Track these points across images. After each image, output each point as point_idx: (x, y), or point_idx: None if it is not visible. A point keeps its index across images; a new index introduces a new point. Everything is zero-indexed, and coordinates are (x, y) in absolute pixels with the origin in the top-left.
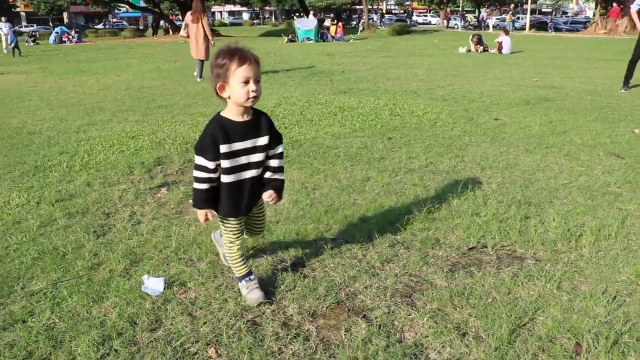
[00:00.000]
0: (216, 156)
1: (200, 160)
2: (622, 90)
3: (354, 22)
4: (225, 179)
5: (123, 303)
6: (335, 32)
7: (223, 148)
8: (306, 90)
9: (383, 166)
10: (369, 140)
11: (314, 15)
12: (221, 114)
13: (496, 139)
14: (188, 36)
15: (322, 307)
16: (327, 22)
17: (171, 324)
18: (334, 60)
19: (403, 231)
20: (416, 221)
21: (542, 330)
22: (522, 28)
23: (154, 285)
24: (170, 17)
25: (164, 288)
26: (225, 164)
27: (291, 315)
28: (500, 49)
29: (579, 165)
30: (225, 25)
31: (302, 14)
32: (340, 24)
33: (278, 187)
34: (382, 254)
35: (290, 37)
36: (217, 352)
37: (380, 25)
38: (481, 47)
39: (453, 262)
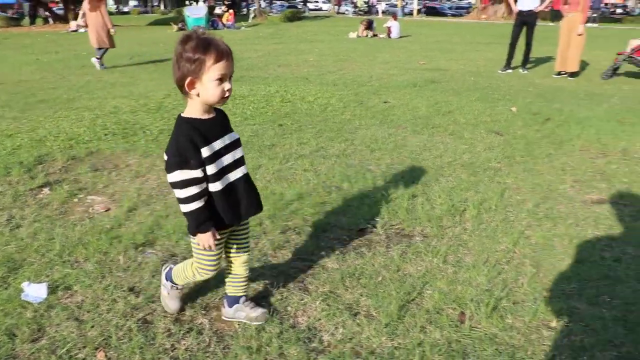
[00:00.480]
0: (200, 163)
1: (184, 175)
2: (502, 72)
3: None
4: (216, 186)
5: (0, 315)
6: (227, 20)
7: (204, 151)
8: None
9: (274, 153)
10: (260, 128)
11: (204, 2)
12: (185, 115)
13: (385, 121)
14: (86, 25)
15: (215, 299)
16: (218, 10)
17: (56, 331)
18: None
19: (294, 217)
20: (307, 206)
21: (430, 303)
22: (411, 13)
23: (35, 292)
24: (50, 5)
25: (47, 294)
26: (210, 169)
27: (183, 310)
28: (389, 33)
29: (462, 144)
30: (111, 14)
31: (191, 2)
32: (231, 11)
33: None
34: (274, 241)
35: (180, 25)
36: (106, 355)
37: (272, 12)
38: (371, 32)
39: (344, 244)
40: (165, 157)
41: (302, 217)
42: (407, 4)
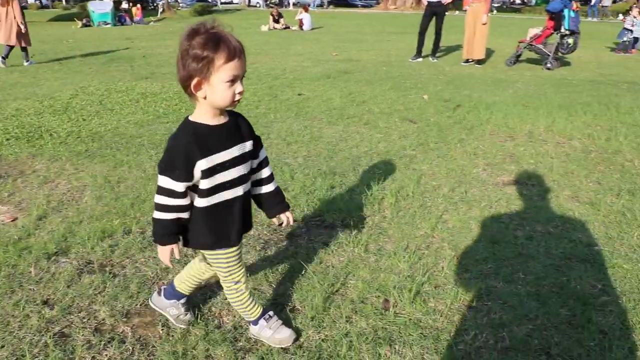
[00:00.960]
0: (188, 176)
1: (164, 181)
2: (412, 60)
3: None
4: (202, 202)
5: None
6: (136, 15)
7: (201, 164)
8: (105, 77)
9: None
10: (174, 126)
11: None
12: (191, 119)
13: (300, 113)
14: None
15: (136, 305)
16: (124, 4)
17: None
18: (134, 44)
19: None
20: None
21: (354, 293)
22: (322, 5)
23: None
24: None
25: None
26: (204, 184)
27: (103, 319)
28: (301, 25)
29: (377, 133)
30: None
31: None
32: (139, 5)
33: (286, 204)
34: None
35: (84, 21)
36: None
37: (181, 6)
38: (280, 25)
39: (265, 239)
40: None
41: None
42: None
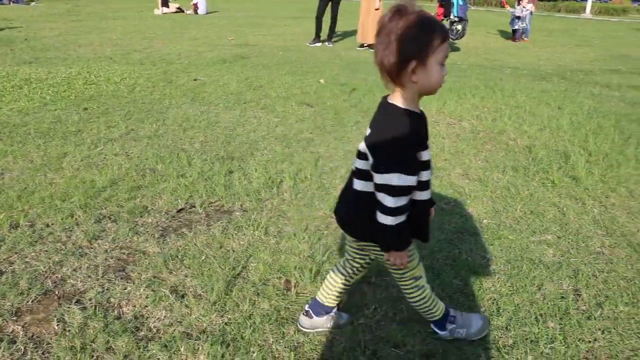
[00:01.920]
0: (417, 168)
1: (396, 179)
2: (310, 45)
3: None
4: (420, 196)
5: None
6: None
7: (424, 155)
8: None
9: (80, 139)
10: (63, 113)
11: None
12: (399, 105)
13: (196, 99)
14: None
15: (27, 301)
16: None
17: None
18: (14, 26)
19: (109, 204)
20: (121, 192)
21: (256, 275)
22: None
23: None
24: None
25: None
26: (424, 176)
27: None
28: (195, 9)
29: (275, 117)
30: None
31: None
32: None
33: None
34: (88, 231)
35: None
36: None
37: None
38: (170, 7)
39: (164, 227)
40: (371, 151)
41: (117, 203)
42: None
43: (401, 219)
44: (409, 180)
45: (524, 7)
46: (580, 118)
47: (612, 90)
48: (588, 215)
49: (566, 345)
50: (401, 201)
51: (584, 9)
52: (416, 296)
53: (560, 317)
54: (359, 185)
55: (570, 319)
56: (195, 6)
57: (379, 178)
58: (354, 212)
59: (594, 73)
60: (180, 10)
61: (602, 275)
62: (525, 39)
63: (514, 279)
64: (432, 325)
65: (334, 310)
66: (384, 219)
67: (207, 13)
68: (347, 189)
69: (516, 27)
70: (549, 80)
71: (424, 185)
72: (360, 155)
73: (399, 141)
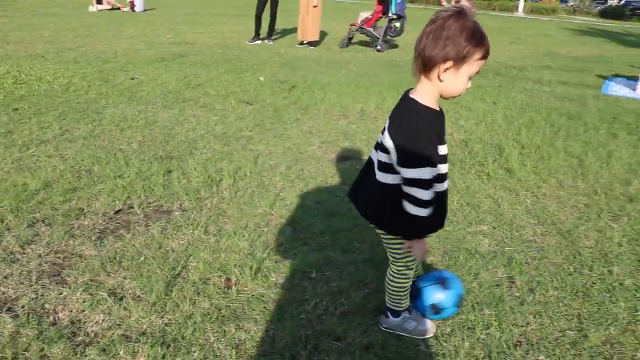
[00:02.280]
0: (440, 160)
1: (425, 172)
2: (250, 42)
3: None
4: (442, 187)
5: None
6: None
7: (442, 149)
8: None
9: (11, 141)
10: None
11: None
12: (422, 102)
13: (134, 98)
14: None
15: None
16: None
17: None
18: None
19: (42, 207)
20: (56, 194)
21: (196, 275)
22: None
23: None
24: None
25: None
26: (443, 168)
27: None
28: (132, 7)
29: (214, 115)
30: None
31: None
32: None
33: None
34: (20, 236)
35: None
36: None
37: None
38: (106, 4)
39: (101, 229)
40: (397, 147)
41: (51, 206)
42: None
43: (432, 209)
44: (435, 172)
45: (455, 4)
46: (514, 112)
47: (543, 86)
48: (521, 205)
49: (501, 331)
50: (432, 193)
51: (517, 7)
52: (398, 283)
53: (495, 304)
54: (381, 177)
55: (504, 305)
56: (132, 3)
57: (410, 173)
58: (378, 203)
59: (527, 69)
60: (113, 7)
61: (534, 262)
62: None
63: (451, 269)
64: (386, 312)
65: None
66: (417, 210)
67: (145, 10)
68: (367, 179)
69: None
70: (484, 77)
71: (443, 178)
72: (382, 148)
73: (424, 138)
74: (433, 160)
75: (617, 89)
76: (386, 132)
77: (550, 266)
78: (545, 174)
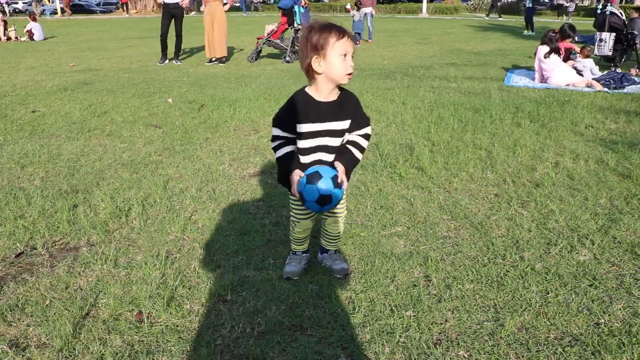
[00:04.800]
0: (290, 129)
1: (274, 131)
2: (160, 64)
3: None
4: (300, 159)
5: None
6: None
7: (302, 127)
8: None
9: None
10: None
11: None
12: (305, 89)
13: (35, 132)
14: None
15: None
16: None
17: None
18: None
19: None
20: None
21: (106, 312)
22: (55, 12)
23: None
24: None
25: None
26: (301, 144)
27: None
28: (31, 36)
29: (121, 142)
30: None
31: None
32: None
33: (348, 161)
34: None
35: None
36: None
37: None
38: (7, 35)
39: (0, 275)
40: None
41: None
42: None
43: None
44: (275, 132)
45: (357, 11)
46: (423, 111)
47: (449, 82)
48: (434, 202)
49: (420, 331)
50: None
51: (421, 9)
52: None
53: (413, 304)
54: None
55: (422, 304)
56: (30, 32)
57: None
58: None
59: (434, 67)
60: (15, 37)
61: (449, 258)
62: (369, 40)
63: (367, 274)
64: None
65: (330, 252)
66: None
67: (45, 38)
68: None
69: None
70: (392, 78)
71: (302, 152)
72: None
73: (283, 107)
74: (277, 122)
75: (517, 79)
76: None
77: (465, 260)
78: (455, 169)
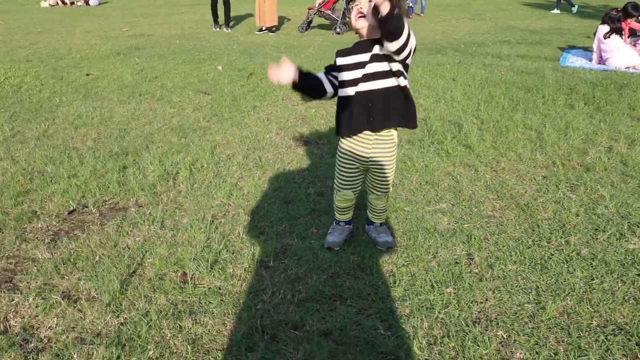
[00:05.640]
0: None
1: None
2: (216, 29)
3: None
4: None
5: None
6: None
7: (338, 60)
8: None
9: None
10: None
11: None
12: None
13: (89, 94)
14: None
15: None
16: None
17: None
18: None
19: None
20: (6, 198)
21: (152, 271)
22: None
23: None
24: None
25: None
26: (341, 76)
27: None
28: (86, 1)
29: (171, 107)
30: None
31: None
32: None
33: None
34: None
35: None
36: None
37: None
38: (68, 0)
39: (54, 230)
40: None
41: (2, 210)
42: None
43: None
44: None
45: None
46: (473, 88)
47: (502, 60)
48: (480, 181)
49: (460, 309)
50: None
51: None
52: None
53: (454, 281)
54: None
55: (463, 282)
56: None
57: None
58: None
59: (486, 44)
60: (71, 2)
61: (493, 237)
62: (422, 14)
63: (409, 249)
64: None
65: (375, 224)
66: None
67: (100, 3)
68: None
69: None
70: (444, 54)
71: (341, 84)
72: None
73: None
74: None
75: (573, 60)
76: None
77: (509, 240)
78: (504, 148)
